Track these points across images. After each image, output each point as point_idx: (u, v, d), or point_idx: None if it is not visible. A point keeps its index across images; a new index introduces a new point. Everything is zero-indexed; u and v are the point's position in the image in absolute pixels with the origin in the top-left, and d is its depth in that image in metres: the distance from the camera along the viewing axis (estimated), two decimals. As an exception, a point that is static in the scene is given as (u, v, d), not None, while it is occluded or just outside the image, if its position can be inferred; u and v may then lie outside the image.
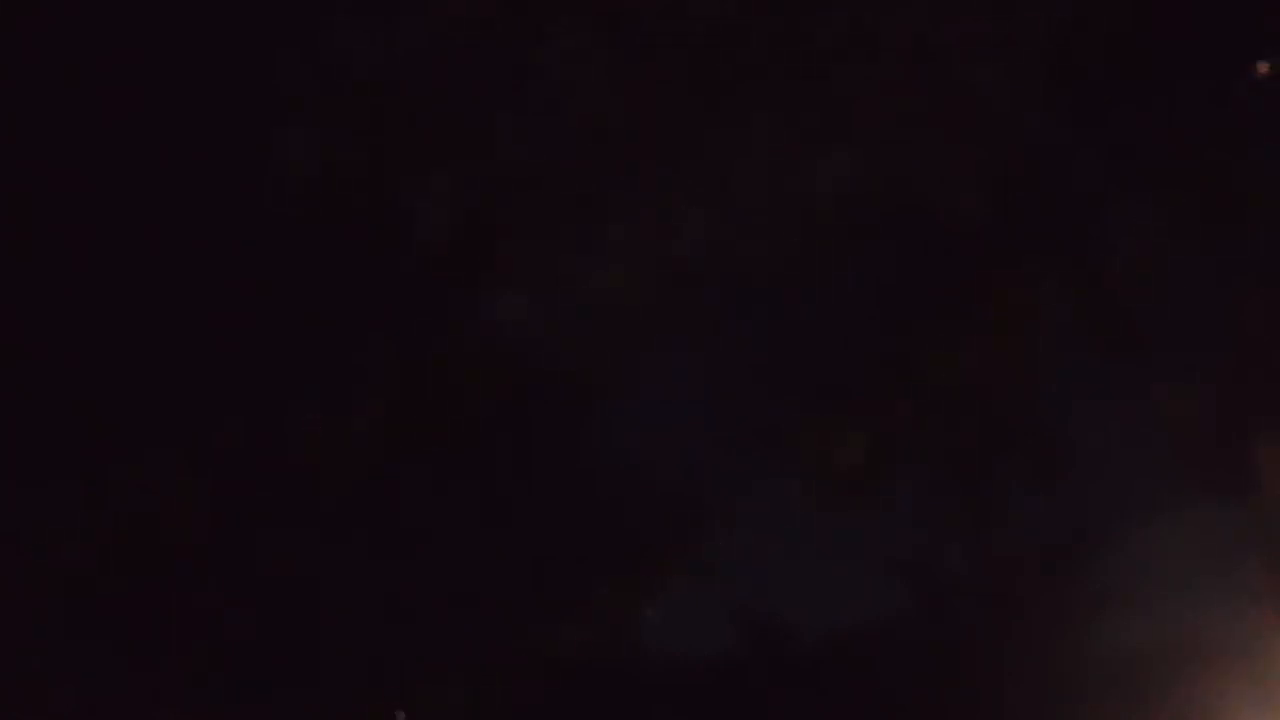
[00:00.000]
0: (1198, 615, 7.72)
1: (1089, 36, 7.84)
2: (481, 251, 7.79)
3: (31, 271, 7.46)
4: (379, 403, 7.83)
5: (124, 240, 7.51)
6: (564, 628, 8.03)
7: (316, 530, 7.86)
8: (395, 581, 7.87)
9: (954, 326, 8.05)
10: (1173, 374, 8.04)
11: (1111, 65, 7.91)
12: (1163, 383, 8.04)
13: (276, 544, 7.82)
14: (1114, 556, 7.94)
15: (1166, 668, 7.72)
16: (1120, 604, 7.90)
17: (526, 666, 7.97)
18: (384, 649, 7.82)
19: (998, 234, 7.98)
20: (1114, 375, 8.04)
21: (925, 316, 8.05)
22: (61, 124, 7.44)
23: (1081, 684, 7.82)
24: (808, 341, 8.09)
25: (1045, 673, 7.88)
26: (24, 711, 7.52)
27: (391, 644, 7.82)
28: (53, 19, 7.39)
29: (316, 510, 7.85)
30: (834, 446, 8.06)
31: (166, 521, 7.66)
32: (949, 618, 8.12)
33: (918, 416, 8.09)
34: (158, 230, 7.52)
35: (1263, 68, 7.28)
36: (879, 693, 7.98)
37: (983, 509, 8.13)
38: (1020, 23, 7.76)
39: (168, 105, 7.45)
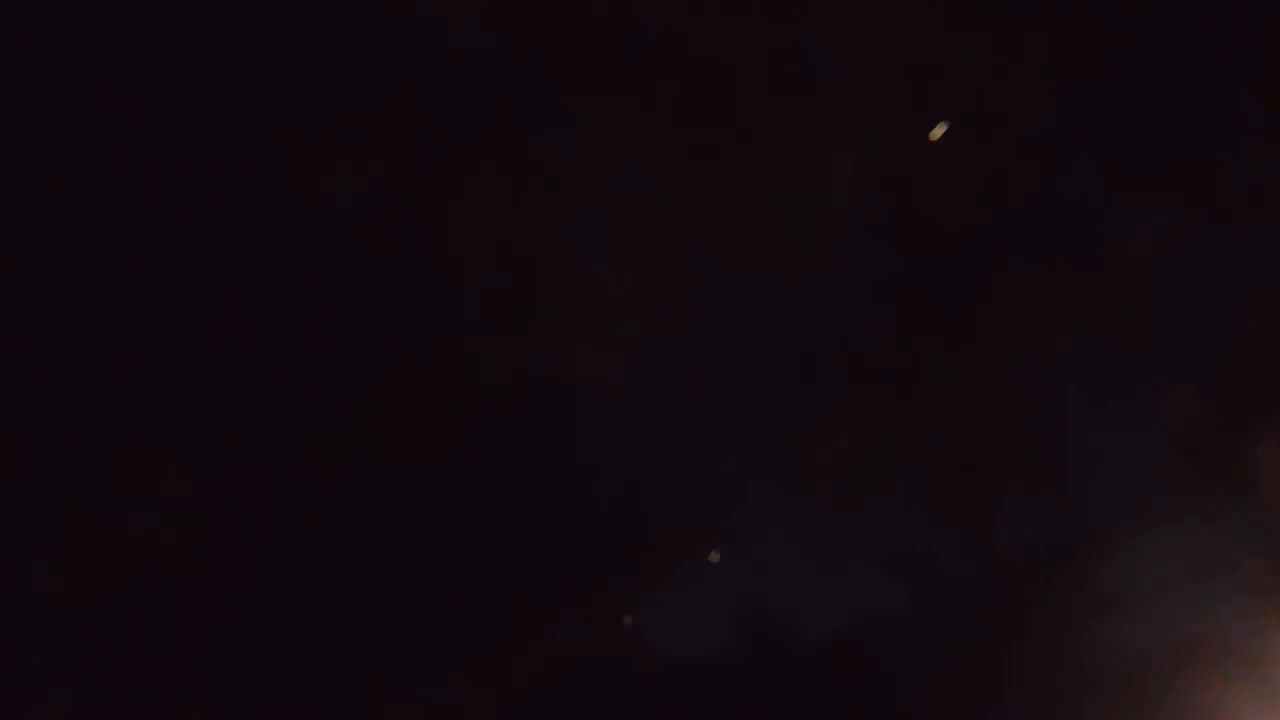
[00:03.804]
0: (1198, 615, 7.73)
1: (1089, 39, 7.85)
2: (487, 256, 7.81)
3: (36, 280, 7.47)
4: (379, 403, 7.83)
5: (129, 254, 7.52)
6: (564, 628, 8.03)
7: (317, 531, 7.86)
8: (395, 582, 7.87)
9: (955, 327, 8.06)
10: (1173, 374, 8.04)
11: (1111, 66, 7.92)
12: (1163, 383, 8.04)
13: (276, 544, 7.82)
14: (1114, 556, 7.95)
15: (1167, 667, 7.72)
16: (1120, 603, 7.90)
17: (526, 666, 7.97)
18: (384, 649, 7.82)
19: (999, 235, 7.99)
20: (1114, 376, 8.05)
21: (927, 317, 8.06)
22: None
23: (1082, 683, 7.83)
24: (809, 342, 8.10)
25: (1045, 672, 7.88)
26: (24, 712, 7.53)
27: (391, 644, 7.82)
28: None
29: (317, 511, 7.86)
30: (835, 447, 8.06)
31: (166, 522, 7.66)
32: (949, 618, 8.13)
33: (919, 417, 8.10)
34: (161, 244, 7.53)
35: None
36: (879, 693, 7.98)
37: (983, 509, 8.14)
38: (1020, 26, 7.77)
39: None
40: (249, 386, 7.68)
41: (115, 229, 7.51)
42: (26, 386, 7.47)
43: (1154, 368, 8.05)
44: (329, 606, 7.83)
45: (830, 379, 8.11)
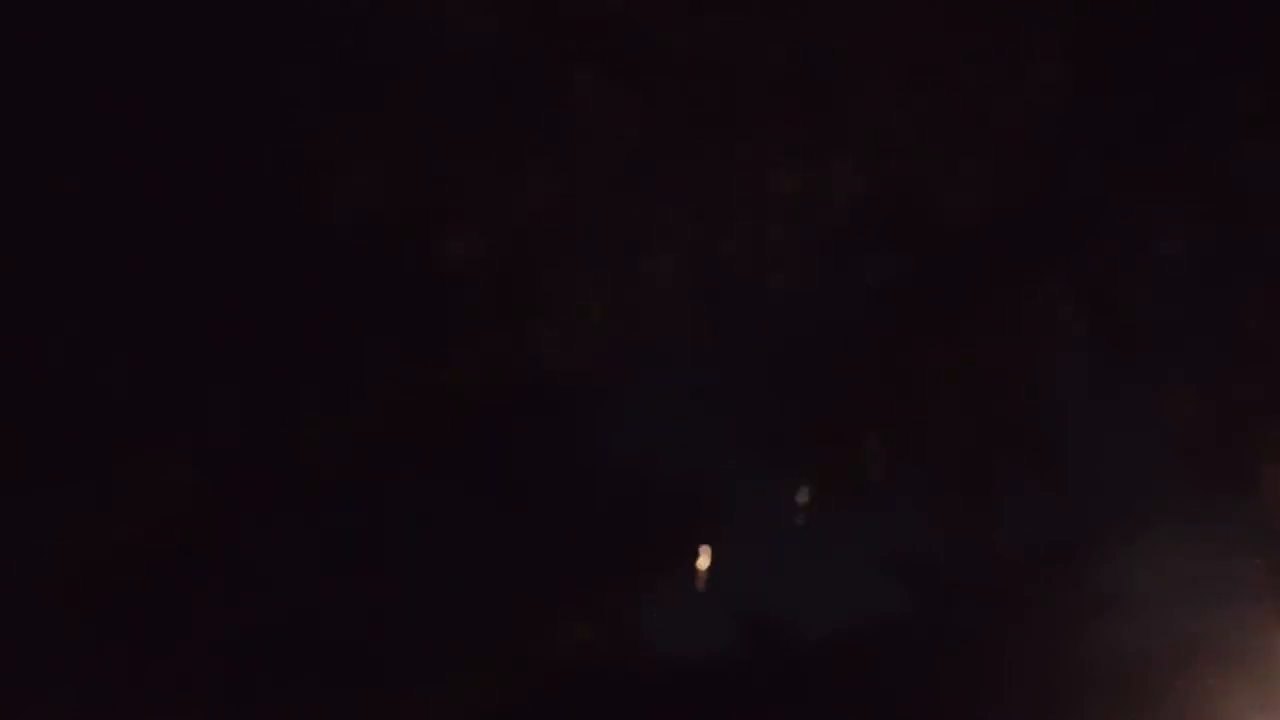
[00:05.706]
0: (1198, 615, 7.72)
1: (1090, 38, 7.85)
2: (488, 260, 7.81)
3: (36, 280, 7.47)
4: (378, 402, 7.83)
5: (129, 254, 7.52)
6: (564, 628, 8.03)
7: (316, 530, 7.86)
8: (395, 581, 7.86)
9: (955, 327, 8.05)
10: (1173, 374, 8.03)
11: (1112, 66, 7.92)
12: (1163, 383, 8.04)
13: (277, 544, 7.82)
14: (1114, 557, 7.94)
15: (1167, 668, 7.72)
16: (1121, 604, 7.90)
17: (526, 666, 7.97)
18: (383, 648, 7.81)
19: (999, 235, 7.99)
20: (1114, 375, 8.04)
21: (927, 318, 8.05)
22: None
23: (1082, 684, 7.82)
24: (809, 342, 8.09)
25: (1045, 673, 7.88)
26: (24, 711, 7.52)
27: (390, 644, 7.82)
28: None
29: (316, 510, 7.86)
30: (835, 447, 8.06)
31: (165, 521, 7.66)
32: (949, 618, 8.12)
33: (920, 417, 8.09)
34: (161, 245, 7.53)
35: None
36: (879, 693, 7.97)
37: (984, 509, 8.13)
38: (1020, 27, 7.77)
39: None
40: (249, 386, 7.68)
41: (115, 229, 7.51)
42: (26, 386, 7.47)
43: (1154, 368, 8.04)
44: (329, 606, 7.82)
45: (830, 379, 8.11)
